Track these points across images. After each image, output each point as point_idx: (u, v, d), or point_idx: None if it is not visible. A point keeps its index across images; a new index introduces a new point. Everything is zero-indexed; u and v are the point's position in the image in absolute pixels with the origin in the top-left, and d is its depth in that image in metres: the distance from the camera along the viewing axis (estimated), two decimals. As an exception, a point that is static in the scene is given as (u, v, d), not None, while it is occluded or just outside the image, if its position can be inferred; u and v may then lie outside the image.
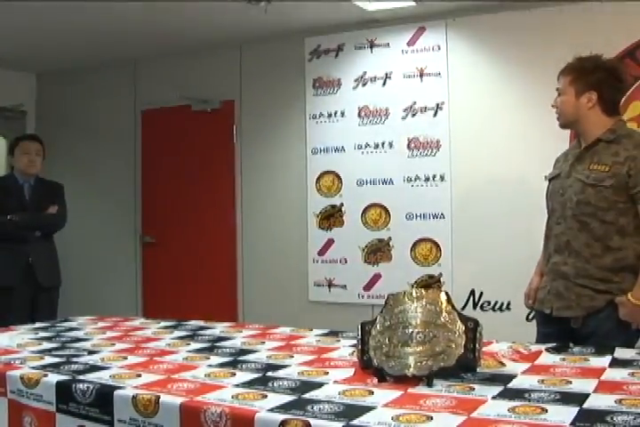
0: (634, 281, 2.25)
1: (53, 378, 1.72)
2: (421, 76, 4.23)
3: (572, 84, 2.41)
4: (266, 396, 1.52)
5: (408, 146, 4.25)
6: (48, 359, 1.96)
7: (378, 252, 4.34)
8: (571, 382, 1.58)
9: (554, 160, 2.62)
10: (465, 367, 1.65)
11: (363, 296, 4.35)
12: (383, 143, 4.33)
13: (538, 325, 2.57)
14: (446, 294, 1.77)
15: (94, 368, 1.82)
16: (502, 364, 1.78)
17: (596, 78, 2.37)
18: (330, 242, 4.49)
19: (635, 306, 2.23)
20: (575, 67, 2.43)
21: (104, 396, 1.59)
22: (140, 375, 1.73)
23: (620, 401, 1.39)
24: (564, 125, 2.51)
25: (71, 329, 2.56)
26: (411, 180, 4.24)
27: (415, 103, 4.24)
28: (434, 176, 4.17)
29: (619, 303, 2.27)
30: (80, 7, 3.92)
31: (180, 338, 2.32)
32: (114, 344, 2.21)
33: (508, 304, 3.87)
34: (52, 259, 4.22)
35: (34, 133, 4.83)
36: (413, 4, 3.96)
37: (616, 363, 1.78)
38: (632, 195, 2.27)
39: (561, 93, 2.45)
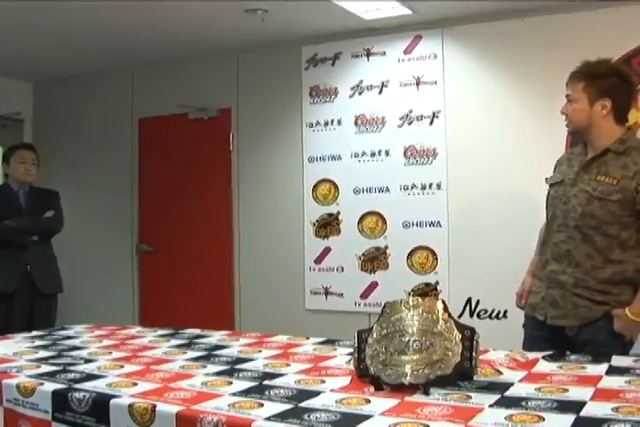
0: (632, 294, 2.25)
1: (49, 387, 1.71)
2: (418, 84, 4.24)
3: (585, 91, 2.30)
4: (262, 405, 1.51)
5: (404, 154, 4.26)
6: (44, 368, 1.95)
7: (374, 260, 4.33)
8: (567, 391, 1.58)
9: (551, 167, 2.58)
10: (462, 376, 1.65)
11: (359, 304, 4.35)
12: (380, 151, 4.33)
13: (526, 327, 2.54)
14: (443, 302, 1.77)
15: (91, 377, 1.82)
16: (499, 372, 1.78)
17: (609, 84, 2.28)
18: (326, 250, 4.49)
19: (631, 321, 2.22)
20: (587, 72, 2.32)
21: (100, 405, 1.59)
22: (136, 384, 1.73)
23: (616, 409, 1.39)
24: (573, 132, 2.45)
25: (68, 338, 2.55)
26: (407, 188, 4.24)
27: (411, 111, 4.25)
28: (430, 184, 4.18)
29: (615, 316, 2.26)
30: (77, 14, 3.93)
31: (177, 347, 2.31)
32: (110, 353, 2.21)
33: (505, 312, 3.86)
34: (51, 266, 4.21)
35: (29, 143, 4.83)
36: (410, 12, 3.98)
37: (613, 371, 1.78)
38: (638, 210, 2.24)
39: (572, 100, 2.34)
